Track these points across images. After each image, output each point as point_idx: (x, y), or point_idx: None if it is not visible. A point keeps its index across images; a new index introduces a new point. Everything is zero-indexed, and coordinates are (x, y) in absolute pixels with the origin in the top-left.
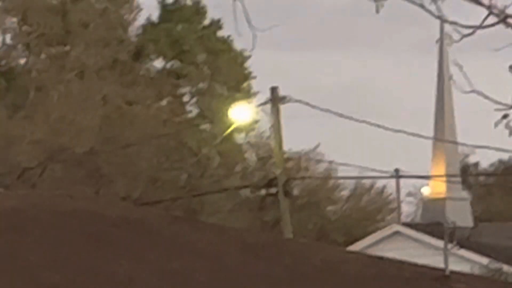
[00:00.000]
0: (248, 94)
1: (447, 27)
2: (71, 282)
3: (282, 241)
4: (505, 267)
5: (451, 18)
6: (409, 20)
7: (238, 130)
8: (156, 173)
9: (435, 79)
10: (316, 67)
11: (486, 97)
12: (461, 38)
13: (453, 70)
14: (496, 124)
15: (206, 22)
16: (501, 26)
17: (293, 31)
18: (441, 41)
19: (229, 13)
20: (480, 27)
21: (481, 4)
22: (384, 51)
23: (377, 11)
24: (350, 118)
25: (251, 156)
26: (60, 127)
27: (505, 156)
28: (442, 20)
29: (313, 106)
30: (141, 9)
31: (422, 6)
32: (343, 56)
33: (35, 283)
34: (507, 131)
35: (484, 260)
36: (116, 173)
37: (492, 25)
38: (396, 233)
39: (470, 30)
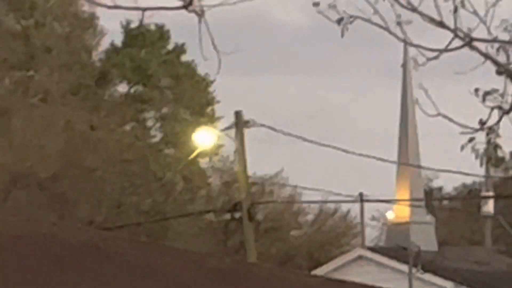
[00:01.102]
0: (212, 119)
1: (412, 51)
2: None
3: (246, 266)
4: None
5: (416, 42)
6: (373, 44)
7: (202, 154)
8: (120, 197)
9: (399, 103)
10: (279, 92)
11: (452, 120)
12: (426, 62)
13: (417, 93)
14: (462, 148)
15: (170, 46)
16: (466, 50)
17: (257, 55)
18: (405, 64)
19: (192, 37)
20: (445, 50)
21: (446, 27)
22: (348, 75)
23: (342, 35)
24: (314, 142)
25: (215, 181)
26: (23, 152)
27: (468, 180)
28: (407, 43)
29: (276, 130)
30: (104, 34)
31: (387, 29)
32: (306, 80)
33: None
34: (470, 155)
35: (449, 284)
36: (80, 198)
37: (457, 48)
38: (360, 257)
39: (435, 54)
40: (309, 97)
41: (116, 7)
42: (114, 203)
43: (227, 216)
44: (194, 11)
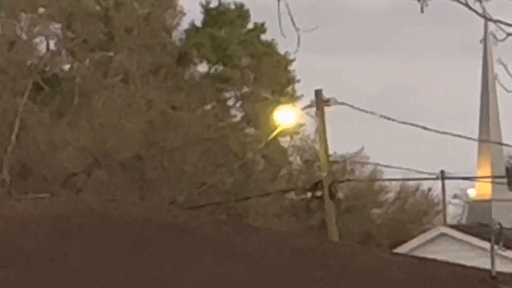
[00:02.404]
0: (292, 98)
1: (492, 27)
2: (116, 287)
3: (328, 244)
4: None
5: (495, 17)
6: (452, 22)
7: (282, 133)
8: (201, 177)
9: (479, 80)
10: (358, 71)
11: None
12: (506, 37)
13: (498, 69)
14: None
15: (250, 26)
16: None
17: (336, 34)
18: (485, 40)
19: (272, 17)
20: None
21: None
22: (427, 53)
23: (422, 10)
24: (395, 120)
25: (296, 160)
26: (104, 133)
27: None
28: (486, 18)
29: (357, 109)
30: (184, 14)
31: (466, 4)
32: (385, 59)
33: None
34: None
35: None
36: (161, 178)
37: None
38: (442, 235)
39: None
40: (388, 76)
41: None
42: (195, 183)
43: (308, 195)
44: None
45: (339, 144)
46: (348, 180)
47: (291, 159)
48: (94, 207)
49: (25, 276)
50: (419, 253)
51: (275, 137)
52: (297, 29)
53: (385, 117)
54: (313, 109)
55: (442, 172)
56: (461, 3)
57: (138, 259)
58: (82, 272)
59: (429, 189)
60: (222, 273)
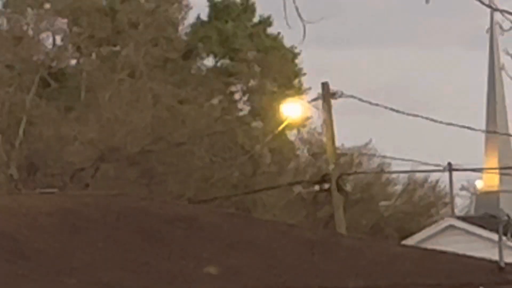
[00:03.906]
0: (299, 91)
1: (498, 16)
2: (125, 280)
3: (336, 237)
4: None
5: (501, 8)
6: (457, 13)
7: (290, 126)
8: (208, 171)
9: (486, 71)
10: (365, 63)
11: None
12: None
13: (504, 59)
14: None
15: (256, 19)
16: None
17: (341, 27)
18: (491, 30)
19: (278, 10)
20: None
21: None
22: (434, 44)
23: (427, 1)
24: (402, 112)
25: (303, 153)
26: (111, 127)
27: None
28: (493, 8)
29: (364, 101)
30: (190, 8)
31: None
32: (392, 51)
33: (89, 282)
34: None
35: None
36: (169, 172)
37: None
38: (450, 226)
39: None
40: (395, 68)
41: None
42: (203, 177)
43: (316, 187)
44: None
45: (346, 137)
46: (356, 172)
47: (298, 152)
48: (102, 201)
49: (34, 271)
50: (427, 245)
51: (282, 131)
52: (302, 20)
53: (392, 109)
54: (320, 102)
55: (450, 164)
56: None
57: (147, 252)
58: (91, 266)
59: (437, 181)
60: (231, 265)
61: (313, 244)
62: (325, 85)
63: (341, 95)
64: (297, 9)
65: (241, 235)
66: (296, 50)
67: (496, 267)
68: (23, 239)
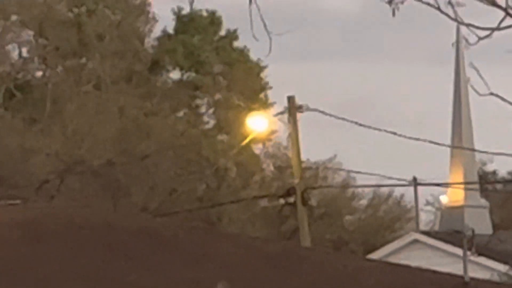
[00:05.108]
0: (265, 105)
1: (464, 30)
2: None
3: (301, 250)
4: None
5: (467, 22)
6: (424, 27)
7: (255, 140)
8: (173, 184)
9: (452, 85)
10: (330, 78)
11: (504, 99)
12: (478, 41)
13: (470, 73)
14: None
15: (222, 32)
16: None
17: (308, 41)
18: (457, 44)
19: (244, 23)
20: (497, 29)
21: (497, 6)
22: (399, 60)
23: (393, 14)
24: (367, 126)
25: (268, 166)
26: (77, 139)
27: None
28: (459, 22)
29: (330, 115)
30: (156, 21)
31: (438, 8)
32: (358, 66)
33: None
34: None
35: (503, 268)
36: (134, 185)
37: (509, 27)
38: (415, 241)
39: (487, 33)
40: (360, 82)
41: None
42: (168, 189)
43: (281, 201)
44: None
45: (311, 151)
46: (321, 186)
47: (263, 165)
48: (67, 213)
49: None
50: (392, 260)
51: (247, 144)
52: (268, 33)
53: (358, 123)
54: (286, 116)
55: (415, 178)
56: (433, 7)
57: (111, 265)
58: (55, 278)
59: (402, 196)
60: (194, 278)
61: (277, 257)
62: (290, 99)
63: (307, 109)
64: (263, 22)
65: (205, 248)
66: (262, 64)
67: (460, 282)
68: None
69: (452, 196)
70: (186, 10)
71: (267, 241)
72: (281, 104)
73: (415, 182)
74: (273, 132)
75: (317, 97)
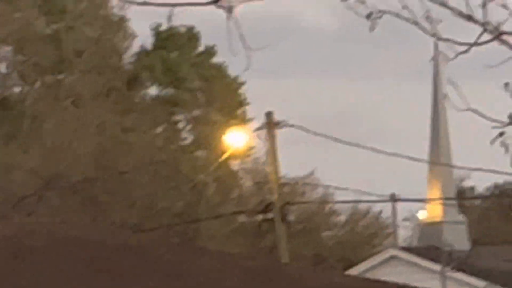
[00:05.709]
0: (243, 120)
1: (442, 46)
2: None
3: (279, 265)
4: None
5: (445, 36)
6: (402, 43)
7: (233, 156)
8: (152, 200)
9: (430, 101)
10: (310, 94)
11: (482, 115)
12: (456, 56)
13: (447, 89)
14: (492, 142)
15: (200, 48)
16: (496, 44)
17: (287, 57)
18: (436, 59)
19: (222, 39)
20: (475, 44)
21: (475, 21)
22: (377, 76)
23: (372, 29)
24: (346, 142)
25: (247, 182)
26: (55, 155)
27: (500, 180)
28: (436, 37)
29: (308, 131)
30: (135, 37)
31: (416, 23)
32: (336, 82)
33: None
34: (502, 154)
35: (481, 284)
36: (112, 201)
37: (487, 42)
38: (393, 257)
39: (465, 48)
40: (339, 98)
41: (145, 3)
42: (146, 205)
43: (260, 217)
44: (222, 6)
45: (290, 167)
46: (300, 202)
47: (242, 181)
48: (45, 229)
49: None
50: (370, 275)
51: (225, 160)
52: (246, 48)
53: (336, 140)
54: (264, 132)
55: (393, 194)
56: (411, 22)
57: (91, 281)
58: None
59: (380, 212)
60: None
61: (256, 273)
62: (268, 115)
63: (285, 124)
64: (242, 38)
65: (185, 264)
66: (240, 80)
67: None
68: None
69: (430, 212)
70: (164, 26)
71: (245, 256)
72: (260, 120)
73: (393, 198)
74: (251, 148)
75: (296, 113)
